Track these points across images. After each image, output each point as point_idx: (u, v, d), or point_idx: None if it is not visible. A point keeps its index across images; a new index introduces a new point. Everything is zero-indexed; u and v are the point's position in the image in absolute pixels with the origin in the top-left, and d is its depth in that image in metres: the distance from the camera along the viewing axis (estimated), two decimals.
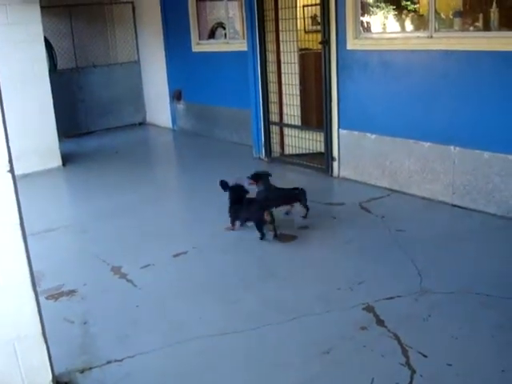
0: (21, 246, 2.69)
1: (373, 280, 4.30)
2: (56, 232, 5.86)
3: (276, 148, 8.04)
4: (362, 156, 6.64)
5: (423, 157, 5.93)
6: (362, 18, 6.53)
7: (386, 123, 6.28)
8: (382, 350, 3.39)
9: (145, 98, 11.82)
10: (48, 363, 2.97)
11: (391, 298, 3.99)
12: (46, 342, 2.94)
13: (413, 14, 6.94)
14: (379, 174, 6.47)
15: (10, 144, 2.62)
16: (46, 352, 2.94)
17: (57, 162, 8.54)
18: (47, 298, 4.30)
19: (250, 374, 3.29)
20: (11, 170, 2.59)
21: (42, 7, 8.18)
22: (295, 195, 5.66)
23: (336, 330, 3.65)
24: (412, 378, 3.10)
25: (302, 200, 5.64)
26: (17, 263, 2.71)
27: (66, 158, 8.78)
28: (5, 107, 2.62)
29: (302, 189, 5.66)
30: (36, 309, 2.84)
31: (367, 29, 6.73)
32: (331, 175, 7.03)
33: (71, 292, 4.44)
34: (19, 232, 2.67)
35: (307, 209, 5.65)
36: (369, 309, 3.85)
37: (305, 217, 5.64)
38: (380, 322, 3.67)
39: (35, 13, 8.02)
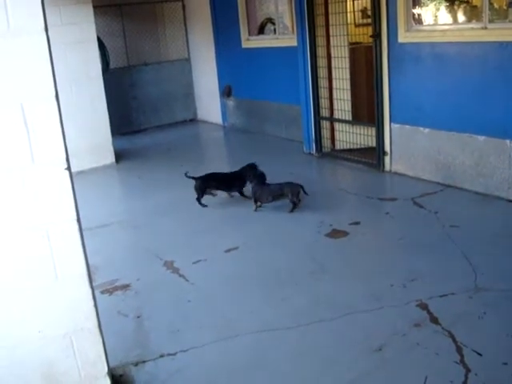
0: (78, 241, 2.75)
1: (426, 277, 4.24)
2: (110, 227, 5.98)
3: (327, 143, 7.99)
4: (414, 150, 6.53)
5: (478, 151, 5.80)
6: (413, 10, 6.42)
7: (439, 117, 6.16)
8: (436, 347, 3.34)
9: (195, 95, 11.93)
10: (104, 356, 3.04)
11: (445, 295, 3.92)
12: (102, 335, 3.00)
13: (465, 4, 6.80)
14: (432, 169, 6.35)
15: (66, 142, 2.69)
16: (101, 345, 3.01)
17: (110, 158, 8.72)
18: (102, 292, 4.41)
19: (301, 370, 3.29)
20: (68, 168, 2.66)
21: (94, 7, 8.31)
22: (282, 191, 5.78)
23: (388, 327, 3.61)
24: (467, 377, 3.04)
25: (288, 195, 5.73)
26: (74, 258, 2.77)
27: (119, 155, 8.95)
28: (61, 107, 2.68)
29: (292, 184, 5.76)
30: (92, 303, 2.90)
31: (418, 21, 6.61)
32: (383, 170, 6.95)
33: (125, 286, 4.53)
34: (76, 227, 2.73)
35: (293, 204, 5.75)
36: (422, 306, 3.80)
37: (290, 211, 5.76)
38: (434, 320, 3.62)
39: (88, 13, 8.18)
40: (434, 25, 6.68)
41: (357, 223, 5.41)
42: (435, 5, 6.89)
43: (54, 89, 2.56)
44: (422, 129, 6.38)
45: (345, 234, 5.20)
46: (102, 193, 7.44)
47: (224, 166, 8.31)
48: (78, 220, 2.75)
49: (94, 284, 3.01)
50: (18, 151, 2.55)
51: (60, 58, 7.79)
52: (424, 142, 6.39)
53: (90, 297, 2.89)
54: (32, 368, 2.89)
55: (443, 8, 6.91)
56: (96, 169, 8.41)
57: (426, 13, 6.91)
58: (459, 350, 3.28)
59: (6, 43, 2.44)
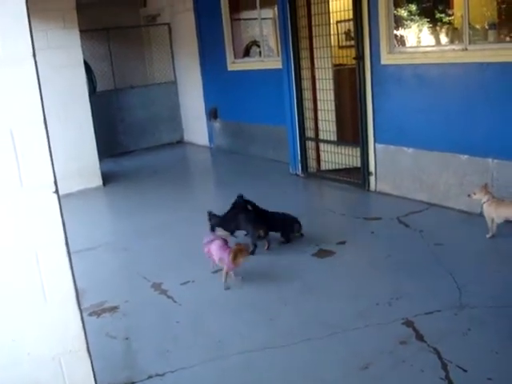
0: (66, 264, 2.76)
1: (412, 295, 4.28)
2: (97, 250, 5.99)
3: (312, 164, 8.07)
4: (398, 170, 6.62)
5: (461, 170, 5.89)
6: (395, 32, 6.55)
7: (423, 137, 6.26)
8: (422, 364, 3.37)
9: (182, 117, 12.01)
10: (92, 378, 3.03)
11: (430, 312, 3.97)
12: (90, 357, 3.01)
13: (447, 26, 6.94)
14: (417, 188, 6.44)
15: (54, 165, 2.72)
16: (90, 367, 3.01)
17: (97, 181, 8.74)
18: (90, 315, 4.41)
19: None
20: (56, 191, 2.69)
21: (80, 31, 8.39)
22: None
23: (375, 345, 3.65)
24: None
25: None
26: (62, 281, 2.78)
27: (106, 178, 8.97)
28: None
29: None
30: (81, 325, 2.91)
31: (401, 43, 6.74)
32: (368, 190, 7.02)
33: (113, 308, 4.54)
34: (65, 250, 2.75)
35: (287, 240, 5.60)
36: (408, 323, 3.84)
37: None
38: (419, 337, 3.66)
39: (75, 37, 8.26)
40: (416, 46, 6.81)
41: (343, 243, 5.46)
42: (418, 26, 7.02)
43: (42, 114, 2.59)
44: (405, 149, 6.48)
45: (331, 253, 5.25)
46: (89, 215, 7.44)
47: (210, 188, 8.39)
48: (67, 243, 2.77)
49: (81, 306, 3.02)
50: (7, 175, 2.57)
51: (47, 82, 7.79)
52: (408, 162, 6.48)
53: (79, 319, 2.90)
54: None
55: (425, 29, 7.05)
56: (83, 191, 8.41)
57: (409, 34, 7.04)
58: (444, 366, 3.32)
59: None
